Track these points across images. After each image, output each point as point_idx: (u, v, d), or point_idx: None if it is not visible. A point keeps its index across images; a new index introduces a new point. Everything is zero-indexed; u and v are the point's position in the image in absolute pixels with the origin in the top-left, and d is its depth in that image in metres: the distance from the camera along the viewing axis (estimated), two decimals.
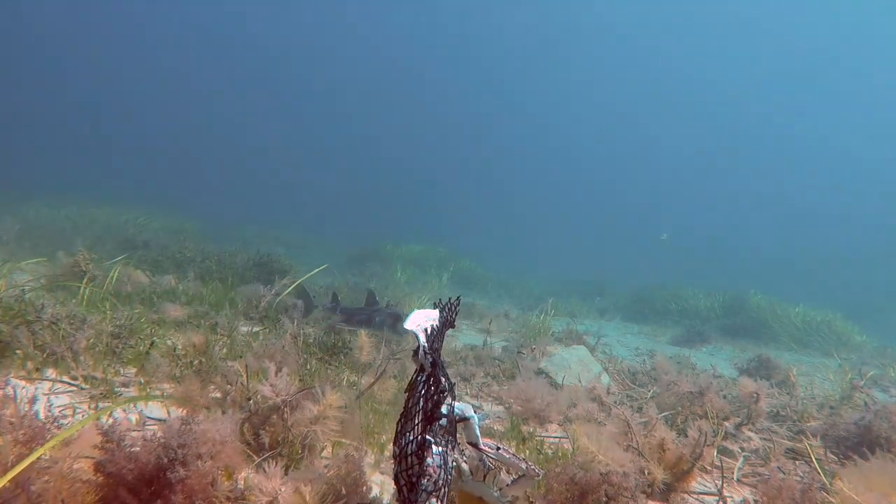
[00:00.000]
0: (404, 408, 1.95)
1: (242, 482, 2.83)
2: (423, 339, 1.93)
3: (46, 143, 41.19)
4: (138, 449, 2.34)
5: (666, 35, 67.12)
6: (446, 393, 1.94)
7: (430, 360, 1.92)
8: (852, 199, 59.83)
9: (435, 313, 2.06)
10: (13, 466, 2.15)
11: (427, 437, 1.83)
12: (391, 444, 3.63)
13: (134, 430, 3.25)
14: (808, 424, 5.24)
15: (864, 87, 62.55)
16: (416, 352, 1.94)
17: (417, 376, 1.99)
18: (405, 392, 1.99)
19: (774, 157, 66.79)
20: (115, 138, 49.26)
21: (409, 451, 1.83)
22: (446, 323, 2.12)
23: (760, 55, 65.71)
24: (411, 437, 1.85)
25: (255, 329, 5.89)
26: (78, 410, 3.48)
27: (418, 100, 69.84)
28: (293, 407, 3.20)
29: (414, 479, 1.78)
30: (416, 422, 1.87)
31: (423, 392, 1.92)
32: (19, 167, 26.55)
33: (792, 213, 58.82)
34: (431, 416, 1.86)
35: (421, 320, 1.99)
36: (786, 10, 62.62)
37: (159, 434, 2.42)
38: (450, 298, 2.15)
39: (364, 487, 2.79)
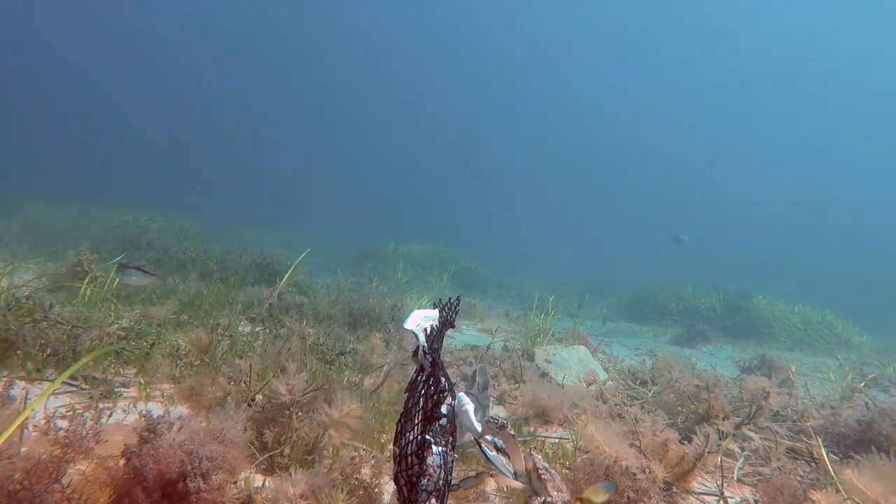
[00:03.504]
0: (404, 408, 1.94)
1: (244, 482, 2.83)
2: (422, 339, 1.92)
3: (46, 143, 41.19)
4: (160, 448, 2.36)
5: (668, 34, 67.09)
6: (446, 393, 1.94)
7: (430, 359, 1.91)
8: (852, 199, 59.81)
9: (434, 313, 2.05)
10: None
11: (427, 437, 1.82)
12: (391, 445, 3.64)
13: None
14: (809, 424, 5.23)
15: (866, 89, 62.45)
16: (415, 352, 1.94)
17: (417, 376, 1.98)
18: (405, 392, 1.98)
19: (774, 157, 66.78)
20: (115, 138, 49.27)
21: (410, 451, 1.82)
22: (446, 323, 2.11)
23: (760, 55, 65.61)
24: (411, 438, 1.84)
25: (256, 329, 5.89)
26: (78, 411, 3.48)
27: (419, 100, 69.82)
28: (306, 409, 3.21)
29: (414, 479, 1.78)
30: (416, 422, 1.86)
31: (422, 392, 1.91)
32: (19, 167, 26.55)
33: (791, 214, 58.77)
34: (431, 416, 1.86)
35: (420, 320, 1.98)
36: (784, 12, 62.55)
37: (184, 438, 2.44)
38: (449, 298, 2.14)
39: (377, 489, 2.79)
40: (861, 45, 61.03)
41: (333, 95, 67.23)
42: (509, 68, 70.80)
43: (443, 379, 1.95)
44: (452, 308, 2.14)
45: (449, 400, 1.95)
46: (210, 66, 63.43)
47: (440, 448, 1.82)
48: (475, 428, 2.13)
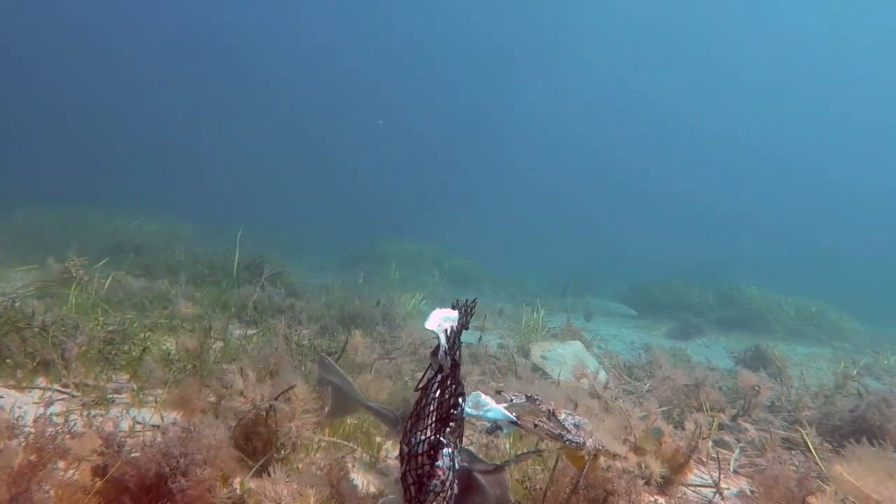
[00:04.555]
0: (414, 407, 1.92)
1: (239, 486, 2.81)
2: (443, 339, 1.92)
3: (35, 147, 40.83)
4: (138, 455, 2.33)
5: (660, 31, 67.06)
6: (465, 395, 1.94)
7: (450, 361, 1.90)
8: (846, 191, 60.14)
9: (454, 314, 2.03)
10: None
11: (441, 438, 1.81)
12: (387, 444, 3.63)
13: (133, 436, 3.22)
14: (804, 414, 5.26)
15: (863, 82, 62.48)
16: (434, 351, 1.93)
17: (426, 374, 1.96)
18: (415, 391, 1.97)
19: (768, 150, 66.92)
20: (106, 141, 48.90)
21: (420, 451, 1.80)
22: (463, 325, 2.10)
23: (757, 50, 65.61)
24: (422, 437, 1.83)
25: (250, 332, 5.86)
26: (70, 418, 3.44)
27: (411, 97, 69.54)
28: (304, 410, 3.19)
29: (424, 480, 1.77)
30: (430, 422, 1.85)
31: (437, 393, 1.89)
32: (7, 171, 26.25)
33: (785, 206, 59.01)
34: (447, 418, 1.85)
35: (440, 320, 1.97)
36: (784, 9, 62.52)
37: (159, 440, 2.41)
38: (466, 300, 2.13)
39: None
40: (867, 38, 60.89)
41: (326, 96, 66.97)
42: (503, 65, 70.64)
43: (462, 381, 1.95)
44: (468, 310, 2.13)
45: (462, 402, 1.95)
46: (202, 66, 63.04)
47: (449, 450, 1.81)
48: (507, 416, 2.13)
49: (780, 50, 64.13)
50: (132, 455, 2.34)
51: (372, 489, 3.01)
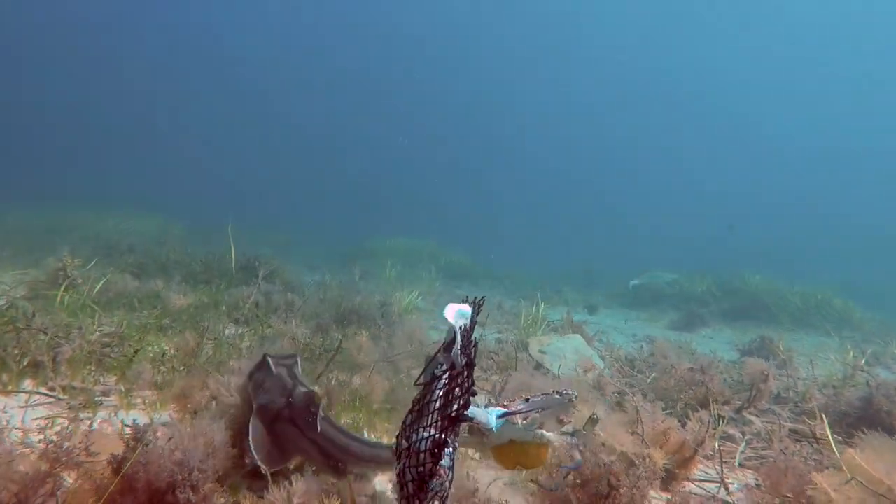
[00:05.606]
0: (417, 402, 1.87)
1: (230, 489, 2.74)
2: (458, 336, 1.88)
3: (25, 147, 40.55)
4: (151, 458, 2.33)
5: (653, 28, 66.83)
6: (476, 395, 1.88)
7: (465, 360, 1.86)
8: (843, 182, 59.99)
9: (468, 309, 1.99)
10: None
11: (447, 437, 1.76)
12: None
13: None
14: (811, 404, 5.16)
15: (863, 75, 62.21)
16: (448, 347, 1.88)
17: (428, 368, 1.91)
18: (415, 384, 1.92)
19: (765, 143, 66.70)
20: (96, 141, 48.63)
21: (423, 448, 1.74)
22: (474, 322, 2.05)
23: (752, 39, 65.37)
24: (425, 434, 1.76)
25: (242, 331, 5.77)
26: (57, 423, 3.35)
27: (404, 92, 69.26)
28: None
29: (426, 478, 1.71)
30: (435, 419, 1.79)
31: (444, 390, 1.84)
32: None
33: (783, 198, 58.81)
34: (456, 417, 1.79)
35: (456, 317, 1.93)
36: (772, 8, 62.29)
37: (173, 446, 2.39)
38: (475, 298, 2.06)
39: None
40: (867, 31, 60.67)
41: (316, 94, 66.76)
42: (496, 62, 70.45)
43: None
44: (478, 308, 2.07)
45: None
46: (193, 65, 62.83)
47: (450, 449, 1.76)
48: (491, 418, 2.06)
49: (780, 41, 63.99)
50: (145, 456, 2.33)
51: (378, 488, 2.93)
